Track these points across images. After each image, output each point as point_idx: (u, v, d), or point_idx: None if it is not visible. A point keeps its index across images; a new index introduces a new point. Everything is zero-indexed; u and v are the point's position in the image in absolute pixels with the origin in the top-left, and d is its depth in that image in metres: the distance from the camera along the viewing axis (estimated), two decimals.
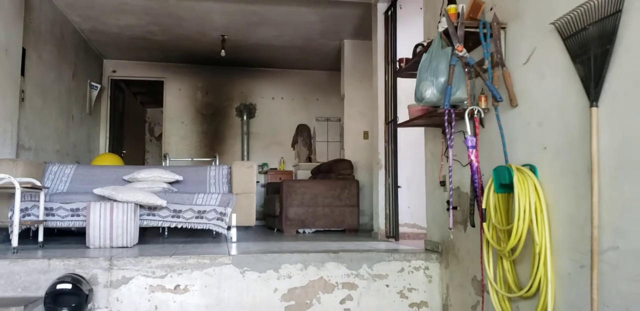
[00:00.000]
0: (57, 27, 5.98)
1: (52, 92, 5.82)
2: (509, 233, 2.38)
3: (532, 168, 2.38)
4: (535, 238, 2.24)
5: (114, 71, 8.19)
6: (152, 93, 10.08)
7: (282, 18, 6.39)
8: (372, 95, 5.57)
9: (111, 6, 5.99)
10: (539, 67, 2.40)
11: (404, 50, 4.61)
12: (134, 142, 10.21)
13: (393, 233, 4.76)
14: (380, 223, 5.04)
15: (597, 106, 1.99)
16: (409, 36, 4.80)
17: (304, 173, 7.72)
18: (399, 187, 4.80)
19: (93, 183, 4.66)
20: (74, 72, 6.59)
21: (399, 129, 4.80)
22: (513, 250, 2.39)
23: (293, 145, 8.77)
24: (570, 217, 2.14)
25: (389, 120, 4.98)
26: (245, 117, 8.65)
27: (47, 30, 5.64)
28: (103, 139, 7.89)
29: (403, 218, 4.86)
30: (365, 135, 6.93)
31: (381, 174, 5.08)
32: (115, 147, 8.27)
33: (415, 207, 4.88)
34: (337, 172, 6.25)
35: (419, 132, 4.16)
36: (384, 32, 5.29)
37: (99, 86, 7.42)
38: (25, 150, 4.97)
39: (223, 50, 6.97)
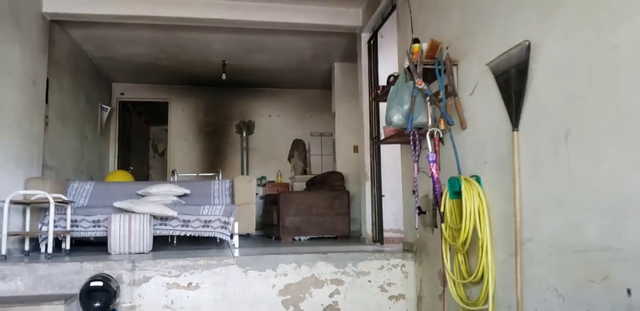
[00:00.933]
0: (73, 57, 6.60)
1: (70, 116, 6.42)
2: (460, 231, 2.96)
3: (477, 178, 2.97)
4: (479, 234, 2.83)
5: (122, 93, 8.82)
6: (156, 112, 10.69)
7: (277, 45, 7.03)
8: (359, 113, 6.17)
9: (123, 37, 6.62)
10: (481, 98, 3.00)
11: (385, 74, 5.22)
12: (139, 158, 10.80)
13: (378, 237, 5.34)
14: (368, 229, 5.61)
15: (517, 130, 2.58)
16: (390, 61, 5.40)
17: (299, 185, 8.29)
18: (383, 196, 5.38)
19: (110, 197, 5.23)
20: (87, 96, 7.20)
21: (383, 145, 5.40)
22: (463, 244, 2.98)
23: (289, 159, 9.36)
24: (504, 216, 2.72)
25: (373, 136, 5.58)
26: (244, 134, 9.26)
27: (65, 60, 6.27)
28: (112, 157, 8.49)
29: (388, 224, 5.43)
30: (355, 149, 7.52)
31: (367, 185, 5.66)
32: (122, 163, 8.86)
33: (398, 213, 5.45)
34: (330, 183, 6.83)
35: (399, 147, 4.75)
36: (367, 58, 5.92)
37: (108, 108, 8.03)
38: (48, 169, 5.55)
39: (224, 74, 7.60)
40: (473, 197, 2.88)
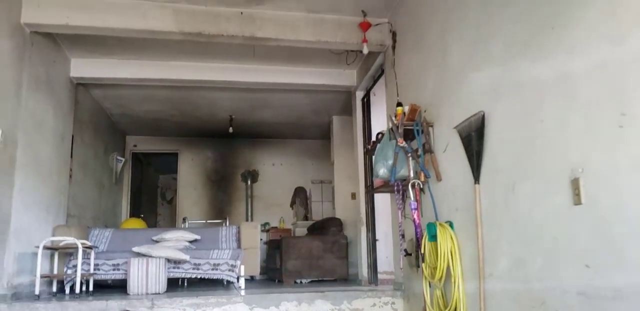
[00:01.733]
0: (94, 114, 7.26)
1: (89, 168, 7.01)
2: (436, 269, 3.46)
3: (450, 224, 3.50)
4: (451, 271, 3.32)
5: (135, 145, 9.46)
6: (165, 161, 11.29)
7: (280, 102, 7.70)
8: (355, 163, 6.73)
9: (139, 96, 7.31)
10: (451, 155, 3.57)
11: (378, 127, 5.83)
12: (148, 205, 11.33)
13: (373, 279, 5.79)
14: (364, 271, 6.06)
15: (478, 183, 3.13)
16: (382, 116, 6.00)
17: (301, 230, 8.76)
18: (377, 240, 5.87)
19: (128, 243, 5.73)
20: (104, 148, 7.82)
21: (376, 193, 5.93)
22: (440, 280, 3.46)
23: (291, 206, 9.86)
24: (471, 255, 3.23)
25: (367, 185, 6.12)
26: (249, 182, 9.82)
27: (87, 117, 6.92)
28: (125, 204, 9.03)
29: (382, 266, 5.88)
30: (353, 196, 8.02)
31: (363, 230, 6.16)
32: (134, 211, 9.38)
33: (391, 256, 5.91)
34: (329, 228, 7.31)
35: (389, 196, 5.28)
36: (361, 114, 6.54)
37: (123, 159, 8.64)
38: (71, 217, 6.07)
39: (231, 128, 8.25)
40: (446, 239, 3.40)
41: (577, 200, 2.23)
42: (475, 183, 3.14)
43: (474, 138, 3.19)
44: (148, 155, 10.60)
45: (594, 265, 2.14)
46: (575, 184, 2.24)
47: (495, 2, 3.06)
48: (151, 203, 12.03)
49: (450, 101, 3.61)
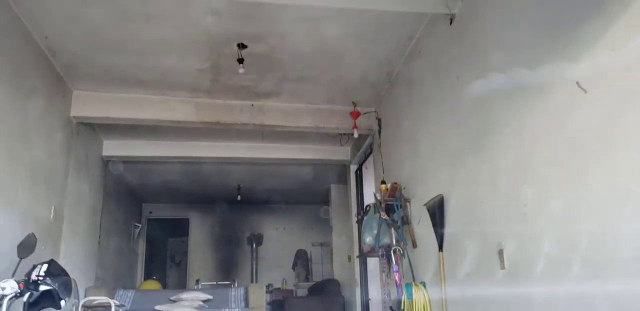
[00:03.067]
0: (117, 186, 8.16)
1: (112, 234, 7.82)
2: None
3: (424, 284, 4.28)
4: None
5: (151, 212, 10.31)
6: (174, 225, 12.07)
7: (283, 173, 8.63)
8: (350, 229, 7.53)
9: (157, 169, 8.25)
10: (423, 227, 4.40)
11: (369, 197, 6.67)
12: (158, 268, 11.99)
13: None
14: None
15: (442, 251, 3.95)
16: (373, 187, 6.87)
17: (302, 291, 9.41)
18: (369, 299, 6.58)
19: (149, 303, 6.43)
20: (124, 216, 8.66)
21: (368, 257, 6.70)
22: None
23: (293, 267, 10.54)
24: (439, 309, 3.98)
25: (360, 249, 6.89)
26: (254, 245, 10.57)
27: (112, 189, 7.81)
28: (140, 267, 9.75)
29: None
30: (349, 258, 8.76)
31: (357, 290, 6.87)
32: (147, 273, 10.07)
33: None
34: (328, 289, 8.00)
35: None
36: (355, 185, 7.43)
37: (139, 225, 9.46)
38: (98, 279, 6.82)
39: (239, 196, 9.13)
40: (420, 297, 4.17)
41: (502, 265, 3.05)
42: (439, 250, 3.96)
43: (437, 215, 4.03)
44: (159, 220, 11.41)
45: None
46: (500, 254, 3.07)
47: (446, 111, 4.00)
48: (161, 265, 12.68)
49: (421, 183, 4.49)
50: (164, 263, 13.23)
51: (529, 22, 2.89)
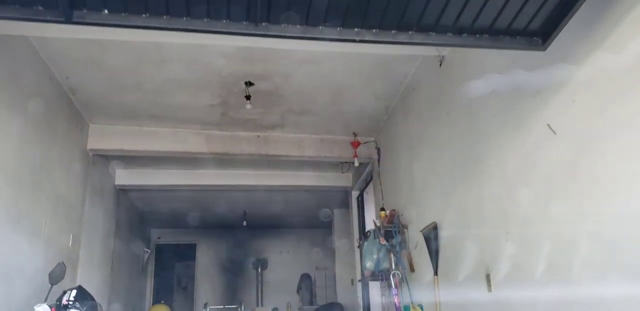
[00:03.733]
0: (128, 212, 8.48)
1: (124, 260, 8.11)
2: None
3: (421, 306, 4.55)
4: None
5: (159, 238, 10.61)
6: (180, 250, 12.33)
7: (288, 198, 8.94)
8: (352, 253, 7.80)
9: (167, 197, 8.58)
10: (420, 251, 4.69)
11: (370, 221, 6.95)
12: (165, 292, 12.20)
13: None
14: None
15: (437, 275, 4.24)
16: (374, 212, 7.18)
17: None
18: None
19: None
20: (134, 242, 8.95)
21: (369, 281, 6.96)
22: None
23: (298, 291, 10.75)
24: None
25: (362, 273, 7.15)
26: (259, 269, 10.81)
27: (123, 216, 8.12)
28: (149, 291, 9.99)
29: None
30: (352, 282, 9.00)
31: None
32: (155, 297, 10.30)
33: None
34: None
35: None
36: (356, 210, 7.73)
37: (149, 251, 9.74)
38: (111, 303, 7.08)
39: (245, 221, 9.43)
40: None
41: (489, 289, 3.34)
42: (434, 274, 4.24)
43: (432, 240, 4.33)
44: (167, 245, 11.68)
45: None
46: (488, 278, 3.36)
47: (438, 143, 4.34)
48: (168, 289, 12.89)
49: (417, 210, 4.80)
50: (171, 287, 13.44)
51: (505, 72, 3.24)
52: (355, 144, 6.43)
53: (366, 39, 2.36)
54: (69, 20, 2.15)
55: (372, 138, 6.51)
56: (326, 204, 9.43)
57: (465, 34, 2.40)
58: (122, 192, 7.83)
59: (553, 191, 2.70)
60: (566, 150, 2.57)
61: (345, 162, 6.93)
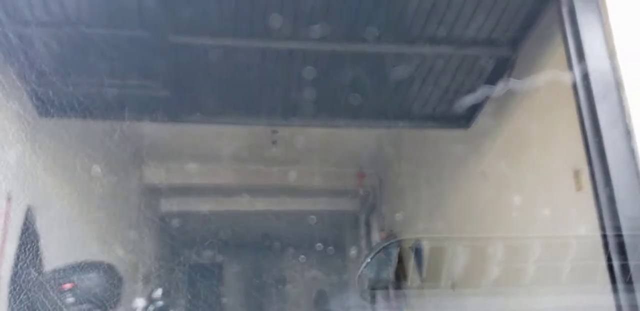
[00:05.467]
0: (165, 236, 9.75)
1: (160, 279, 9.33)
2: None
3: None
4: None
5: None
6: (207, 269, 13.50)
7: (303, 222, 10.15)
8: None
9: (199, 220, 9.84)
10: None
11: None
12: None
13: None
14: None
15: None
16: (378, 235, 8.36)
17: None
18: None
19: None
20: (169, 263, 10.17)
21: None
22: None
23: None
24: None
25: None
26: (278, 288, 11.95)
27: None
28: None
29: None
30: None
31: None
32: None
33: None
34: None
35: None
36: (365, 232, 8.93)
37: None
38: None
39: (265, 242, 10.62)
40: None
41: None
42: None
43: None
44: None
45: None
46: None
47: (422, 178, 5.58)
48: None
49: (410, 232, 6.00)
50: None
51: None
52: (361, 175, 7.68)
53: None
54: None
55: (374, 170, 7.76)
56: (338, 227, 10.62)
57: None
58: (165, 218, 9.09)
59: (488, 226, 3.87)
60: (492, 192, 3.78)
61: (353, 190, 8.18)
